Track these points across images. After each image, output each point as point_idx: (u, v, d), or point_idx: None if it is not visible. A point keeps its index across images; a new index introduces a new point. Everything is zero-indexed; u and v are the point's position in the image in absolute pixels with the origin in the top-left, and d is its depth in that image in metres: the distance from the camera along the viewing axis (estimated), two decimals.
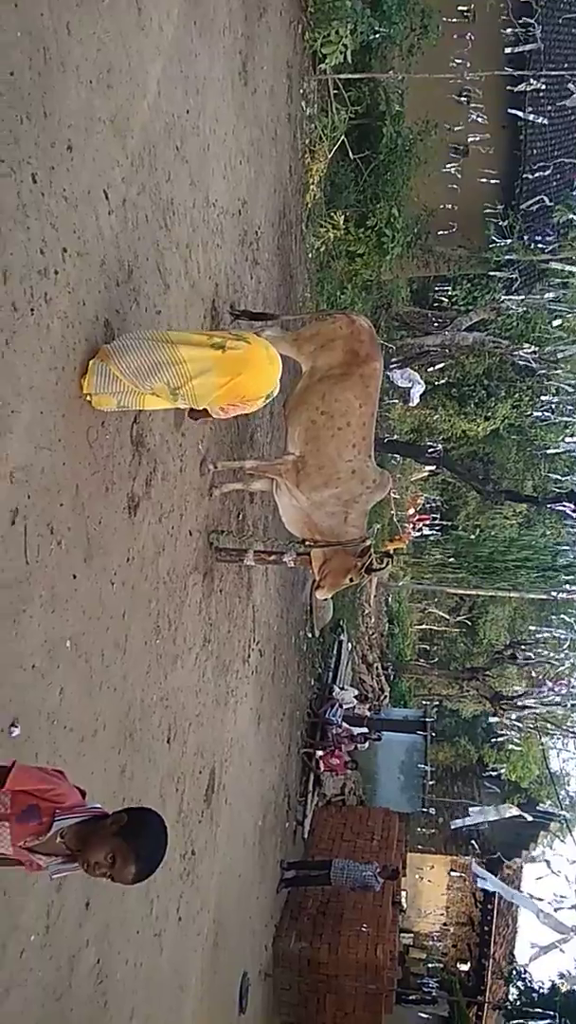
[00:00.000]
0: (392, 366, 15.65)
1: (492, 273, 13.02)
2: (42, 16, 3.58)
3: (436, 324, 14.61)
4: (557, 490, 14.48)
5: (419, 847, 20.51)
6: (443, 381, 17.76)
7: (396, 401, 17.87)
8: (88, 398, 3.98)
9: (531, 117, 10.98)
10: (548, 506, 16.44)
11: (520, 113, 11.15)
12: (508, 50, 10.56)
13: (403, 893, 15.71)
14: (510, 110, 11.37)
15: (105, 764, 4.36)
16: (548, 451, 15.40)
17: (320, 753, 11.55)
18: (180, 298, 5.56)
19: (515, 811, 11.53)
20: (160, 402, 4.14)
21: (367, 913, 10.81)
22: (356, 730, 12.66)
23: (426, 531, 23.28)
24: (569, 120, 12.62)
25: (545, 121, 10.93)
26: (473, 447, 21.54)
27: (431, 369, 16.92)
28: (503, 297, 12.96)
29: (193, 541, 6.07)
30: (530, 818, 12.09)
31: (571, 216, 11.66)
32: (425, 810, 15.22)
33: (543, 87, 10.38)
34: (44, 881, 3.63)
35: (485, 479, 19.87)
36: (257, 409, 4.57)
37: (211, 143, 6.19)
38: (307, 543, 6.49)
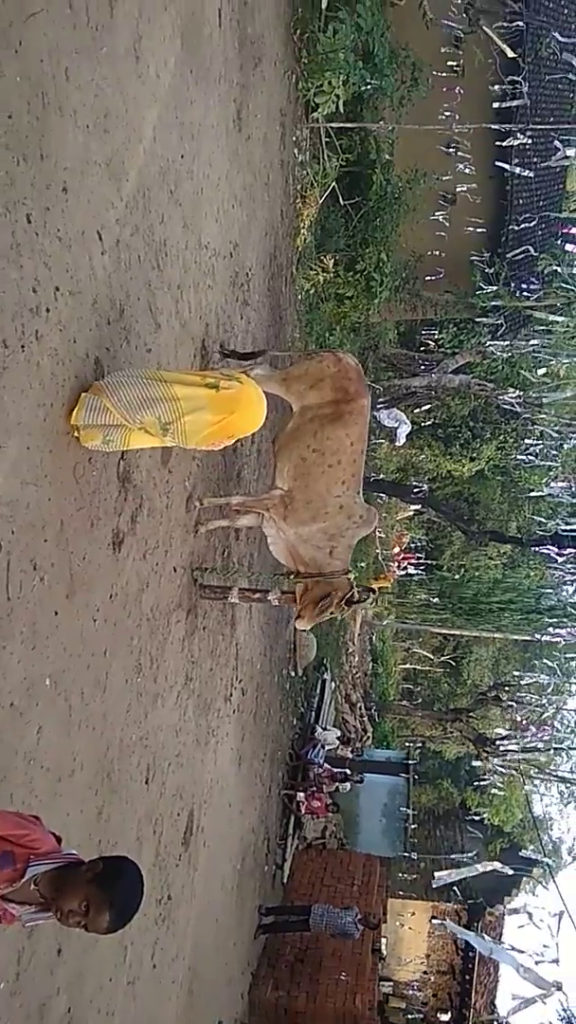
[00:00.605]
0: (379, 406, 15.81)
1: (479, 319, 13.27)
2: (41, 62, 3.66)
3: (423, 367, 14.81)
4: (541, 532, 14.59)
5: (400, 893, 20.14)
6: (429, 422, 17.95)
7: (383, 441, 18.02)
8: (76, 432, 3.99)
9: (517, 170, 11.30)
10: (532, 548, 16.52)
11: (507, 166, 11.47)
12: (496, 105, 10.88)
13: (383, 940, 15.38)
14: (497, 163, 11.68)
15: (82, 805, 4.28)
16: (532, 494, 15.52)
17: (301, 795, 11.39)
18: (171, 337, 5.61)
19: (495, 865, 11.34)
20: (147, 439, 4.15)
21: (346, 961, 10.59)
22: (338, 769, 12.52)
23: (411, 570, 23.32)
24: (554, 172, 12.97)
25: (531, 174, 11.25)
26: (458, 487, 21.70)
27: (418, 410, 17.10)
28: (488, 342, 13.18)
29: (177, 578, 6.04)
30: (511, 872, 11.90)
31: (555, 267, 11.91)
32: (407, 855, 14.96)
33: (529, 141, 10.69)
34: (15, 927, 3.53)
35: (470, 520, 19.99)
36: (229, 445, 4.63)
37: (204, 187, 6.31)
38: (292, 576, 6.53)
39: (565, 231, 11.81)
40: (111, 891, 2.17)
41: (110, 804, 4.69)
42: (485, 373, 15.30)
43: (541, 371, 11.69)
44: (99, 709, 4.47)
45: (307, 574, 6.40)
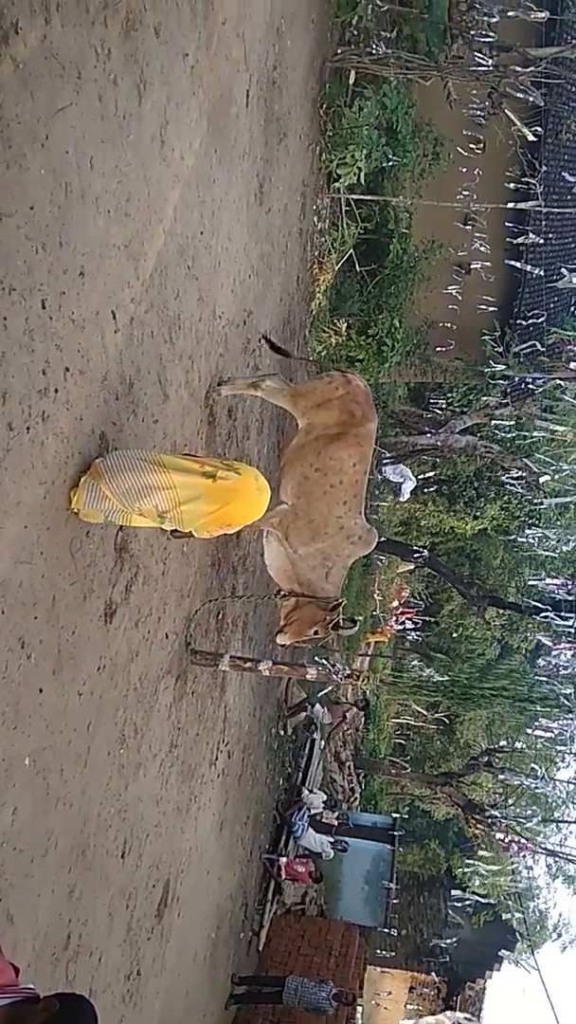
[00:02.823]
0: (385, 462, 15.88)
1: (484, 397, 13.43)
2: (67, 153, 3.75)
3: (429, 433, 14.94)
4: (537, 604, 14.51)
5: (378, 965, 19.63)
6: (434, 484, 18.03)
7: (385, 502, 18.08)
8: (76, 511, 4.01)
9: (528, 267, 11.52)
10: (532, 615, 16.43)
11: (518, 264, 11.70)
12: (511, 205, 11.13)
13: (359, 1009, 14.93)
14: (507, 261, 11.93)
15: (53, 885, 4.20)
16: (530, 580, 15.55)
17: (283, 860, 11.16)
18: (178, 407, 5.67)
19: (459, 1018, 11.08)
20: (146, 522, 4.18)
21: None
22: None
23: (408, 625, 23.16)
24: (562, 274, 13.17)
25: (541, 272, 11.48)
26: (460, 543, 21.68)
27: (423, 469, 17.18)
28: (495, 414, 13.33)
29: (169, 644, 6.01)
30: None
31: (566, 338, 12.05)
32: (387, 930, 14.55)
33: (541, 241, 10.93)
34: None
35: (470, 583, 19.93)
36: (229, 533, 4.67)
37: (222, 260, 6.43)
38: (282, 594, 6.61)
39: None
40: None
41: (83, 881, 4.60)
42: (492, 433, 15.38)
43: (544, 479, 11.78)
44: (78, 785, 4.41)
45: (299, 593, 6.49)
